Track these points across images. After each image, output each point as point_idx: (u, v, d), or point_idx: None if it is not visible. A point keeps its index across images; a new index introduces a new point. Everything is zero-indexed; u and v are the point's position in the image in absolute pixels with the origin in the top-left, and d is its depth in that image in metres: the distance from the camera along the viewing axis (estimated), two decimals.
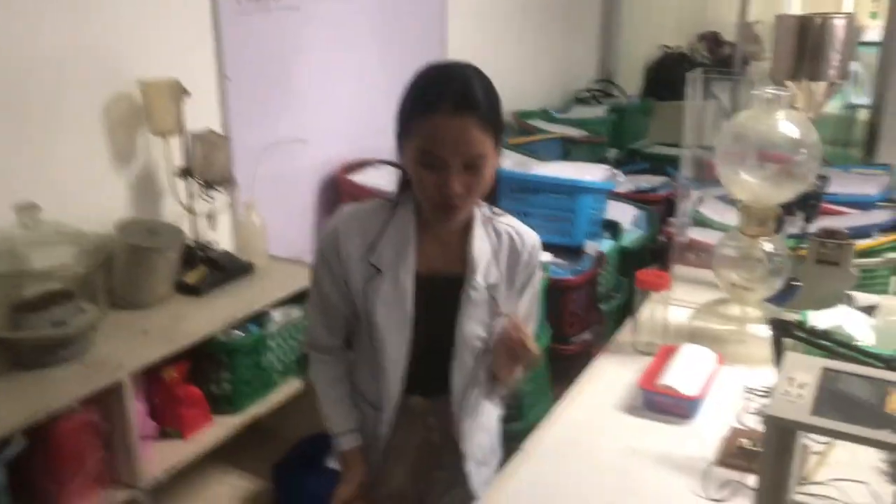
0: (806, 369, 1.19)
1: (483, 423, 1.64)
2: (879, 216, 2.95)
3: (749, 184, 1.86)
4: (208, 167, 2.06)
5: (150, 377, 1.91)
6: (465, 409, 1.57)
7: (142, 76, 2.02)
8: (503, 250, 1.53)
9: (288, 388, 2.19)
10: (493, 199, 1.54)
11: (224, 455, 2.10)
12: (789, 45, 2.05)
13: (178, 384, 1.95)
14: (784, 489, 1.16)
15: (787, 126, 1.81)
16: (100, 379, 1.68)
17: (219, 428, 2.02)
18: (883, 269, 2.55)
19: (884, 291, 2.55)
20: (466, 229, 1.51)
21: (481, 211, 1.53)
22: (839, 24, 1.99)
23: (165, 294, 2.01)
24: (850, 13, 2.13)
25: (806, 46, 2.01)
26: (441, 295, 1.51)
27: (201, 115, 2.20)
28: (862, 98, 4.91)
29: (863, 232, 2.67)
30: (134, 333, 1.86)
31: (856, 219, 2.94)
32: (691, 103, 2.22)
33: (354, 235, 1.49)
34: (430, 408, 1.59)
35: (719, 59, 6.25)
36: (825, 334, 1.44)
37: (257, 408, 2.10)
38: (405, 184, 1.49)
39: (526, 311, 1.61)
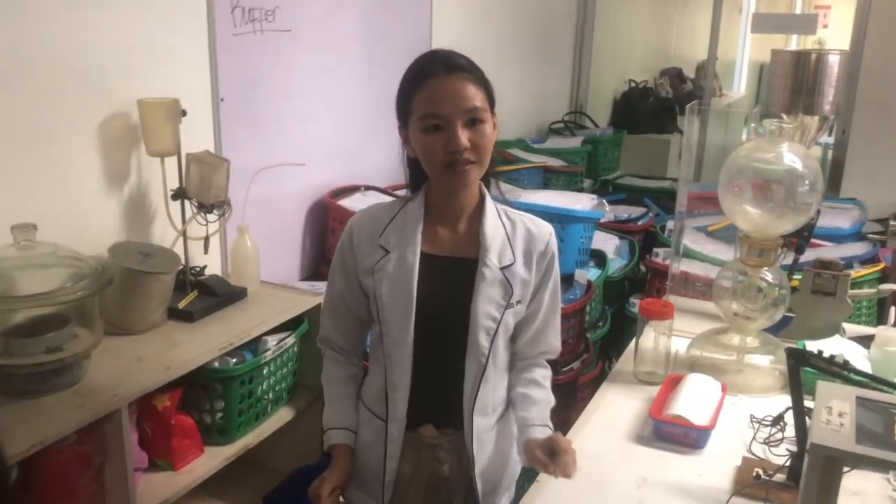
0: (841, 398, 1.19)
1: (495, 452, 1.62)
2: (855, 248, 3.03)
3: (751, 215, 1.89)
4: (204, 189, 2.00)
5: (142, 405, 1.84)
6: (473, 416, 1.55)
7: (138, 95, 1.97)
8: (518, 236, 1.56)
9: (279, 417, 2.13)
10: (488, 179, 1.59)
11: (213, 486, 2.03)
12: (784, 79, 2.10)
13: (170, 413, 1.87)
14: None
15: (790, 158, 1.84)
16: (95, 408, 1.60)
17: (210, 459, 1.95)
18: (868, 300, 2.60)
19: (869, 322, 2.61)
20: (477, 216, 1.55)
21: (493, 202, 1.57)
22: (833, 59, 2.04)
23: (159, 320, 1.95)
24: (844, 50, 2.19)
25: (801, 81, 2.05)
26: (452, 277, 1.53)
27: (196, 136, 2.15)
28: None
29: (845, 264, 2.73)
30: (128, 360, 1.79)
31: (832, 251, 3.01)
32: (686, 137, 2.24)
33: (367, 225, 1.57)
34: (443, 440, 1.58)
35: (681, 94, 6.42)
36: (845, 364, 1.46)
37: (249, 438, 2.03)
38: (417, 185, 1.57)
39: (549, 308, 1.62)
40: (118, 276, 1.84)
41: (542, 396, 1.61)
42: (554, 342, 1.69)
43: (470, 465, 1.57)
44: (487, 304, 1.50)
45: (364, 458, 1.60)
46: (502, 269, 1.52)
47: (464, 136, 1.41)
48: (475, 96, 1.42)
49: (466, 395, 1.54)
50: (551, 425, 1.57)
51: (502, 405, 1.64)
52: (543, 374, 1.67)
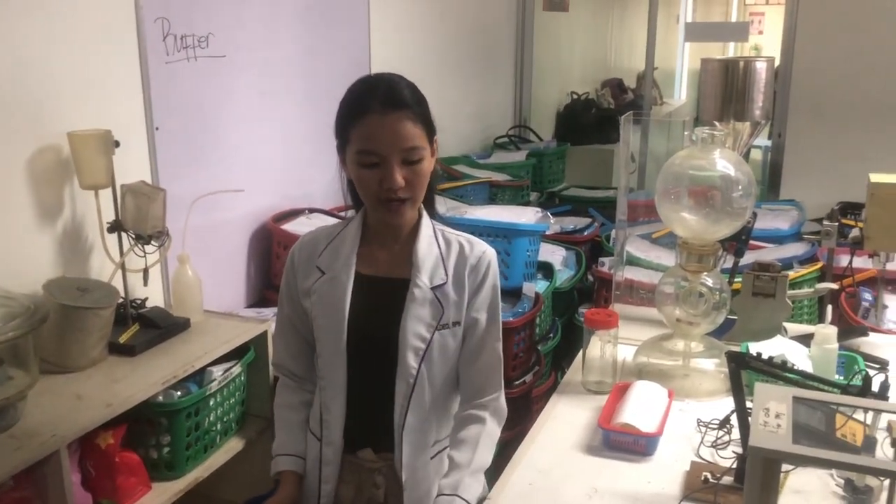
0: (778, 399, 1.21)
1: (437, 477, 1.59)
2: (795, 249, 3.10)
3: (689, 221, 1.92)
4: (141, 220, 1.97)
5: (84, 444, 1.79)
6: (403, 442, 1.54)
7: (69, 128, 1.93)
8: (452, 256, 1.57)
9: (229, 448, 2.10)
10: (431, 204, 1.60)
11: None
12: (715, 87, 2.14)
13: (114, 450, 1.82)
14: None
15: (722, 164, 1.88)
16: (33, 450, 1.55)
17: (158, 495, 1.90)
18: (809, 299, 2.66)
19: (811, 321, 2.67)
20: (414, 236, 1.55)
21: (432, 222, 1.59)
22: (761, 66, 2.09)
23: (99, 356, 1.90)
24: (771, 57, 2.25)
25: (731, 89, 2.09)
26: (385, 297, 1.53)
27: (131, 166, 2.11)
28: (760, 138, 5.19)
29: (784, 265, 2.78)
30: (67, 399, 1.75)
31: (773, 252, 3.08)
32: (622, 147, 2.27)
33: (307, 248, 1.59)
34: (380, 465, 1.57)
35: (623, 104, 6.53)
36: (783, 365, 1.48)
37: (199, 471, 1.99)
38: (357, 201, 1.58)
39: (484, 324, 1.59)
40: (54, 314, 1.79)
41: (462, 460, 1.53)
42: (491, 381, 1.61)
43: (400, 492, 1.56)
44: (416, 324, 1.51)
45: (307, 480, 1.60)
46: (433, 288, 1.52)
47: (399, 175, 1.42)
48: (413, 135, 1.43)
49: (396, 417, 1.54)
50: (465, 494, 1.49)
51: (446, 433, 1.62)
52: (476, 432, 1.56)
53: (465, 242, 1.59)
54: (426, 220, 1.57)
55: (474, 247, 1.59)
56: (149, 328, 2.03)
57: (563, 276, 3.14)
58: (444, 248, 1.56)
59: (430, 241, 1.55)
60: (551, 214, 3.23)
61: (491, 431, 1.59)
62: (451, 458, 1.54)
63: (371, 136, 1.42)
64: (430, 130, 1.48)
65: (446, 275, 1.54)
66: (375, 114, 1.42)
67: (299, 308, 1.60)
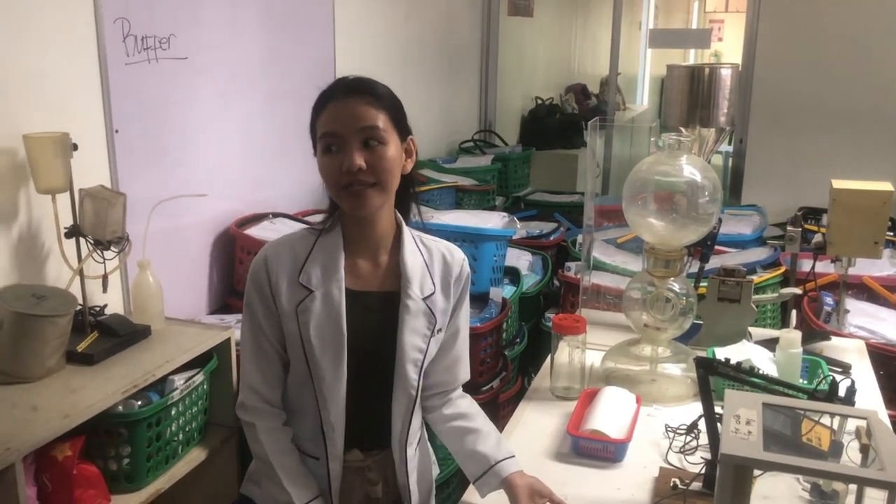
0: (748, 405, 1.21)
1: (420, 478, 1.63)
2: (758, 254, 3.13)
3: (655, 227, 1.92)
4: (100, 225, 1.92)
5: (41, 456, 1.73)
6: (406, 447, 1.55)
7: (25, 130, 1.87)
8: (435, 264, 1.56)
9: (191, 458, 2.05)
10: (407, 207, 1.58)
11: None
12: (680, 93, 2.15)
13: (72, 462, 1.77)
14: None
15: (689, 170, 1.88)
16: None
17: None
18: (772, 303, 2.69)
19: (774, 325, 2.69)
20: (396, 247, 1.53)
21: (409, 229, 1.57)
22: (726, 73, 2.11)
23: (56, 365, 1.84)
24: (735, 64, 2.27)
25: (696, 95, 2.11)
26: (376, 312, 1.50)
27: (89, 170, 2.06)
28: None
29: (748, 269, 2.81)
30: (22, 411, 1.69)
31: (736, 257, 3.11)
32: (589, 152, 2.27)
33: (284, 260, 1.49)
34: (370, 462, 1.57)
35: (586, 109, 6.57)
36: (750, 370, 1.49)
37: (160, 482, 1.94)
38: (332, 209, 1.53)
39: (464, 335, 1.64)
40: (8, 322, 1.74)
41: (488, 427, 1.63)
42: (466, 369, 1.71)
43: (400, 481, 1.59)
44: (413, 336, 1.50)
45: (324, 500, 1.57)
46: (424, 299, 1.51)
47: (359, 158, 1.39)
48: (374, 117, 1.41)
49: (397, 428, 1.54)
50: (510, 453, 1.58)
51: (420, 430, 1.66)
52: (471, 402, 1.70)
53: (444, 251, 1.58)
54: (406, 229, 1.55)
55: (454, 255, 1.60)
56: (108, 336, 1.97)
57: (530, 280, 3.14)
58: (427, 257, 1.55)
59: (413, 250, 1.54)
60: (517, 219, 3.22)
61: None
62: (475, 429, 1.61)
63: (331, 119, 1.41)
64: (398, 122, 1.46)
65: (433, 284, 1.53)
66: (337, 99, 1.42)
67: (277, 331, 1.50)
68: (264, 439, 1.52)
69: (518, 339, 2.97)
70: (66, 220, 1.94)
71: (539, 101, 5.79)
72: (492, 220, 2.79)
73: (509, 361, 2.82)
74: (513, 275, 3.00)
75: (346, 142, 1.40)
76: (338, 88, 1.44)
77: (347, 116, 1.40)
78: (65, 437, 1.71)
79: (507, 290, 2.83)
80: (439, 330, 1.55)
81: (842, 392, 1.54)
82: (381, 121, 1.42)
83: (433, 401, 1.65)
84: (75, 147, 1.92)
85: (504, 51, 5.09)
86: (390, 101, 1.46)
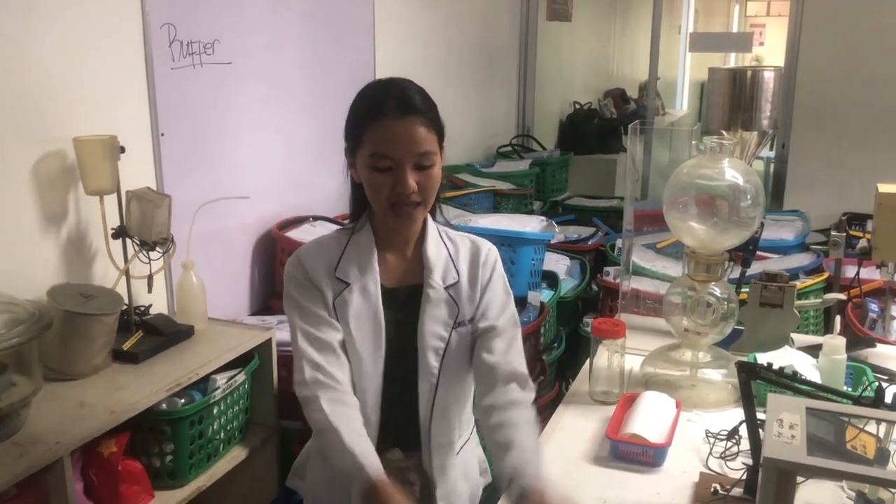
0: (791, 410, 1.20)
1: (462, 477, 1.63)
2: (800, 259, 3.08)
3: (697, 231, 1.91)
4: (146, 227, 1.96)
5: (87, 452, 1.78)
6: (434, 439, 1.55)
7: (74, 133, 1.92)
8: (462, 254, 1.57)
9: (232, 457, 2.08)
10: (435, 208, 1.58)
11: None
12: (722, 96, 2.13)
13: (117, 458, 1.81)
14: None
15: (731, 173, 1.87)
16: (36, 458, 1.54)
17: None
18: (815, 310, 2.64)
19: (817, 332, 2.65)
20: (421, 240, 1.56)
21: (435, 224, 1.59)
22: (768, 76, 2.08)
23: (102, 363, 1.89)
24: (778, 66, 2.24)
25: (739, 98, 2.09)
26: (405, 304, 1.53)
27: (136, 172, 2.11)
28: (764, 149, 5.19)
29: (791, 275, 2.77)
30: (71, 406, 1.73)
31: (778, 263, 3.07)
32: (629, 157, 2.26)
33: (319, 258, 1.52)
34: (408, 462, 1.58)
35: (625, 114, 6.53)
36: (794, 376, 1.47)
37: (202, 480, 1.98)
38: (359, 209, 1.55)
39: (508, 323, 1.58)
40: (58, 320, 1.78)
41: (521, 439, 1.49)
42: (521, 362, 1.58)
43: (432, 487, 1.58)
44: (434, 324, 1.51)
45: (329, 496, 1.58)
46: (447, 288, 1.53)
47: (412, 180, 1.41)
48: (427, 140, 1.42)
49: (422, 417, 1.55)
50: (539, 466, 1.43)
51: (468, 429, 1.66)
52: (519, 406, 1.54)
53: (470, 241, 1.61)
54: (430, 224, 1.58)
55: (481, 244, 1.61)
56: (152, 335, 2.02)
57: (568, 285, 3.13)
58: (452, 248, 1.57)
59: (437, 243, 1.56)
60: (555, 223, 3.22)
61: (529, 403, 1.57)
62: (511, 441, 1.46)
63: (385, 140, 1.40)
64: (440, 135, 1.48)
65: (458, 273, 1.54)
66: (389, 118, 1.40)
67: (323, 308, 1.48)
68: (328, 408, 1.41)
69: (556, 344, 2.96)
70: (114, 221, 1.98)
71: (577, 106, 5.77)
72: (530, 224, 2.80)
73: (547, 366, 2.81)
74: (551, 279, 2.99)
75: (400, 165, 1.41)
76: (390, 103, 1.41)
77: (405, 140, 1.40)
78: (110, 433, 1.76)
79: (545, 295, 2.83)
80: (465, 322, 1.53)
81: (888, 398, 1.51)
82: (432, 143, 1.43)
83: (480, 388, 1.57)
84: (123, 150, 1.96)
85: (542, 55, 5.09)
86: (433, 115, 1.46)
